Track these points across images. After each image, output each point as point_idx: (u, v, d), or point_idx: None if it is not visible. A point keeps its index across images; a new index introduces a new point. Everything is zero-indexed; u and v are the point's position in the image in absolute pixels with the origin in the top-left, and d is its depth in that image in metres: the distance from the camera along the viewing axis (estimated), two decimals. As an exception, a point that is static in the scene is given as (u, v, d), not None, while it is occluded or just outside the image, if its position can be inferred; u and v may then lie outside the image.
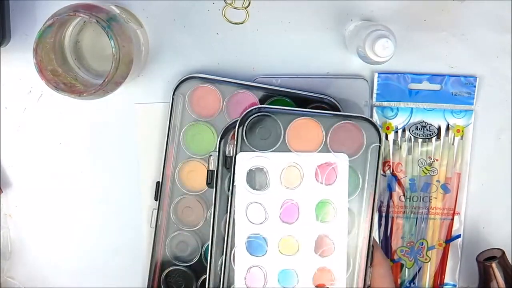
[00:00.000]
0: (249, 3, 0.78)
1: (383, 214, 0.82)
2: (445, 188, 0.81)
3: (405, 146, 0.81)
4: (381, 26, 0.74)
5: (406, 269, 0.83)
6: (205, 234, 0.79)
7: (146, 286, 0.80)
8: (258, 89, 0.78)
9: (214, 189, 0.74)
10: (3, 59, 0.80)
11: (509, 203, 0.82)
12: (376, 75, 0.80)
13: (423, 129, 0.81)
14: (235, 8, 0.78)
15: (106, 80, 0.70)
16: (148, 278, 0.80)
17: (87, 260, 0.83)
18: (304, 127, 0.73)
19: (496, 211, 0.82)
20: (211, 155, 0.75)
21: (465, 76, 0.80)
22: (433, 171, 0.81)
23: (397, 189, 0.81)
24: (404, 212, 0.82)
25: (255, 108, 0.73)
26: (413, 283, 0.83)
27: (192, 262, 0.80)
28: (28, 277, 0.83)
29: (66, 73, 0.74)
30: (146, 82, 0.81)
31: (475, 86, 0.80)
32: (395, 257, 0.83)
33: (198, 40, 0.80)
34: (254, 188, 0.73)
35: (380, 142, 0.73)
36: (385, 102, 0.80)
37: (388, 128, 0.80)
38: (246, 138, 0.72)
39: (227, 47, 0.80)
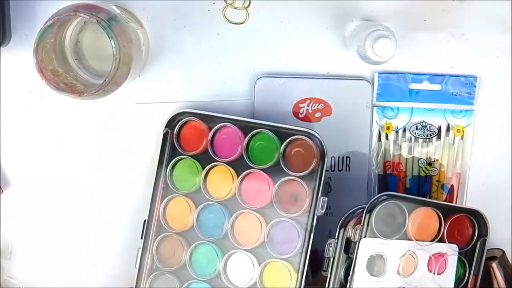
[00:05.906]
0: (249, 3, 0.78)
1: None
2: (445, 188, 0.81)
3: (405, 146, 0.81)
4: (381, 26, 0.74)
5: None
6: (185, 275, 0.77)
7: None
8: (241, 122, 0.76)
9: (328, 276, 0.74)
10: (3, 59, 0.80)
11: (509, 203, 0.82)
12: (376, 75, 0.80)
13: (424, 129, 0.81)
14: (235, 8, 0.78)
15: (106, 80, 0.70)
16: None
17: (87, 260, 0.83)
18: (425, 216, 0.74)
19: (496, 211, 0.82)
20: (330, 243, 0.75)
21: (465, 76, 0.80)
22: (433, 171, 0.81)
23: (398, 189, 0.81)
24: (404, 212, 0.82)
25: (385, 195, 0.73)
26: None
27: None
28: (28, 277, 0.83)
29: (66, 73, 0.74)
30: (146, 82, 0.81)
31: (475, 86, 0.80)
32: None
33: (198, 40, 0.80)
34: (372, 275, 0.73)
35: (487, 235, 0.75)
36: (386, 102, 0.80)
37: (388, 128, 0.80)
38: (374, 224, 0.73)
39: (227, 47, 0.80)
